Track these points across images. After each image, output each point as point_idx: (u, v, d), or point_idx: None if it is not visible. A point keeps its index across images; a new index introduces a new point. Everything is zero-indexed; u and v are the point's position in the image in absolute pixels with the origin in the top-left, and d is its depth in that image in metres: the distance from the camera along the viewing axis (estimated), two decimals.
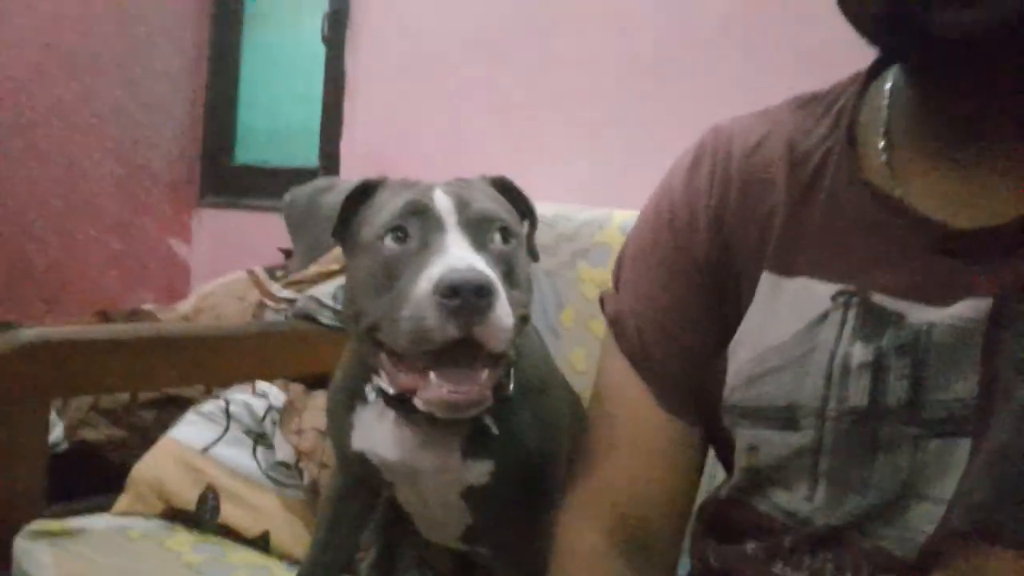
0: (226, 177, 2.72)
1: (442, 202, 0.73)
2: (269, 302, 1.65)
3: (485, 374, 0.69)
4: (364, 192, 0.79)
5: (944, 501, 0.54)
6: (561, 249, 1.40)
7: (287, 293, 1.64)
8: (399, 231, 0.72)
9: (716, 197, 0.68)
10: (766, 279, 0.64)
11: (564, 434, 0.91)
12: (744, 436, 0.64)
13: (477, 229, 0.73)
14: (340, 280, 1.63)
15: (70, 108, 2.49)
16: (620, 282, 0.75)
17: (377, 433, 0.84)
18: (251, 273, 1.92)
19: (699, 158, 0.72)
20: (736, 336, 0.65)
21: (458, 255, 0.68)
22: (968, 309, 0.54)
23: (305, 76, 2.44)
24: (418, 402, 0.70)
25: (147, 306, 2.03)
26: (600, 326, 1.36)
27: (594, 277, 1.42)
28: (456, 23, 2.04)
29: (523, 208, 0.85)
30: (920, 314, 0.56)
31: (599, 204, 1.45)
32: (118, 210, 2.62)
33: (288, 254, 2.15)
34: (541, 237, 1.46)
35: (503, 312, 0.67)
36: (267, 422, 1.30)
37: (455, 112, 2.02)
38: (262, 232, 2.45)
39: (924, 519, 0.55)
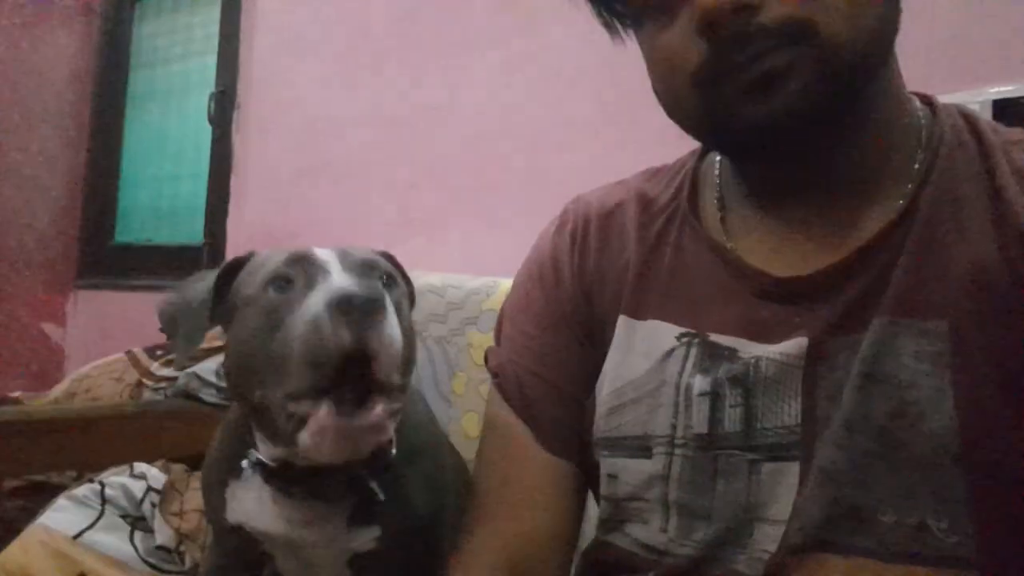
0: (106, 256, 2.65)
1: (323, 252, 0.74)
2: (148, 381, 1.59)
3: (381, 405, 0.68)
4: (235, 269, 0.79)
5: (781, 521, 0.60)
6: (451, 317, 1.42)
7: (167, 371, 1.59)
8: (282, 279, 0.71)
9: (578, 254, 0.77)
10: (622, 322, 0.72)
11: (451, 498, 0.90)
12: (605, 465, 0.70)
13: (360, 275, 0.73)
14: (222, 356, 1.60)
15: None
16: (501, 337, 0.81)
17: (255, 508, 0.82)
18: (129, 353, 1.86)
19: (563, 223, 0.81)
20: (600, 376, 0.73)
21: (347, 281, 0.69)
22: (789, 347, 0.62)
23: (190, 154, 2.44)
24: (307, 440, 0.67)
25: (15, 394, 1.93)
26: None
27: (484, 343, 1.43)
28: (342, 103, 2.09)
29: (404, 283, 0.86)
30: (750, 349, 0.64)
31: (486, 272, 1.50)
32: None
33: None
34: (431, 306, 1.51)
35: (394, 330, 0.67)
36: (145, 505, 1.25)
37: (342, 188, 2.05)
38: (143, 312, 2.35)
39: (766, 540, 0.60)
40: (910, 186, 0.63)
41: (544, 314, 0.77)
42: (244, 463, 0.81)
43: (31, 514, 1.29)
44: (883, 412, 0.58)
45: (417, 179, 1.92)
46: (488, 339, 1.42)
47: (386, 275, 0.77)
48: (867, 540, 0.57)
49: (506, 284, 1.49)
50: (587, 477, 0.75)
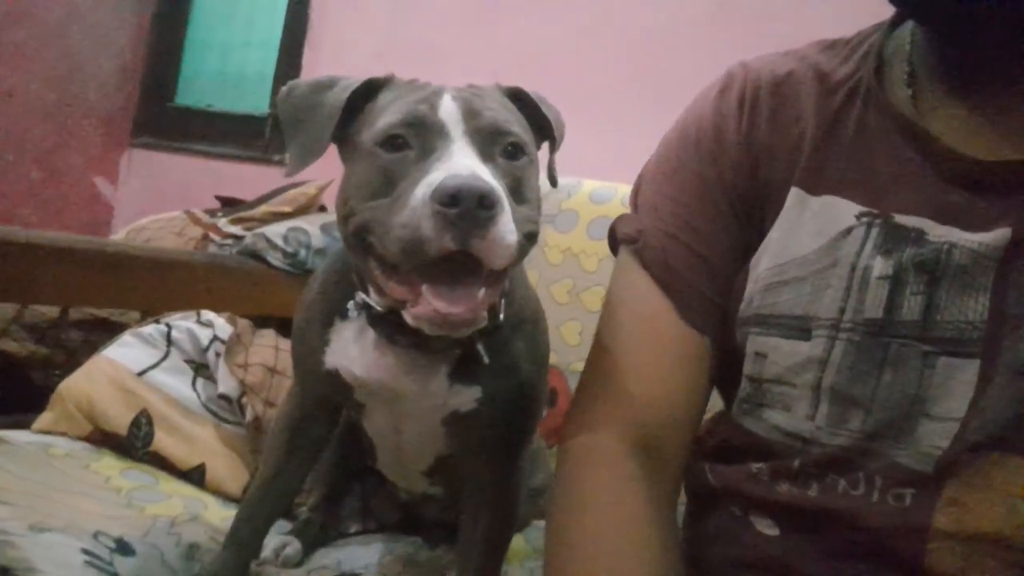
0: (165, 117, 2.59)
1: (448, 109, 0.68)
2: (215, 236, 1.56)
3: (481, 293, 0.64)
4: (369, 91, 0.74)
5: (951, 418, 0.57)
6: None
7: (235, 229, 1.56)
8: (398, 139, 0.67)
9: (747, 120, 0.72)
10: (794, 194, 0.67)
11: (547, 369, 0.89)
12: (754, 343, 0.66)
13: (485, 141, 0.68)
14: (291, 222, 1.57)
15: (2, 24, 2.32)
16: (640, 204, 0.77)
17: (356, 352, 0.79)
18: (188, 212, 1.82)
19: (728, 86, 0.75)
20: (760, 249, 0.68)
21: (462, 162, 0.63)
22: (988, 237, 0.57)
23: (263, 21, 2.36)
24: (407, 316, 0.65)
25: None
26: (563, 292, 1.39)
27: (559, 243, 1.41)
28: None
29: (541, 123, 0.79)
30: (940, 233, 0.59)
31: (575, 175, 1.44)
32: (42, 138, 2.45)
33: (227, 203, 2.05)
34: None
35: (505, 227, 0.62)
36: (210, 353, 1.22)
37: (426, 74, 1.96)
38: (199, 178, 2.35)
39: (934, 435, 0.57)
40: None
41: (699, 180, 0.73)
42: (351, 304, 0.79)
43: (92, 347, 1.28)
44: None
45: (508, 71, 1.83)
46: (565, 239, 1.42)
47: (512, 144, 0.70)
48: None
49: (590, 185, 1.45)
50: (724, 356, 0.72)
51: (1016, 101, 0.61)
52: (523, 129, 0.74)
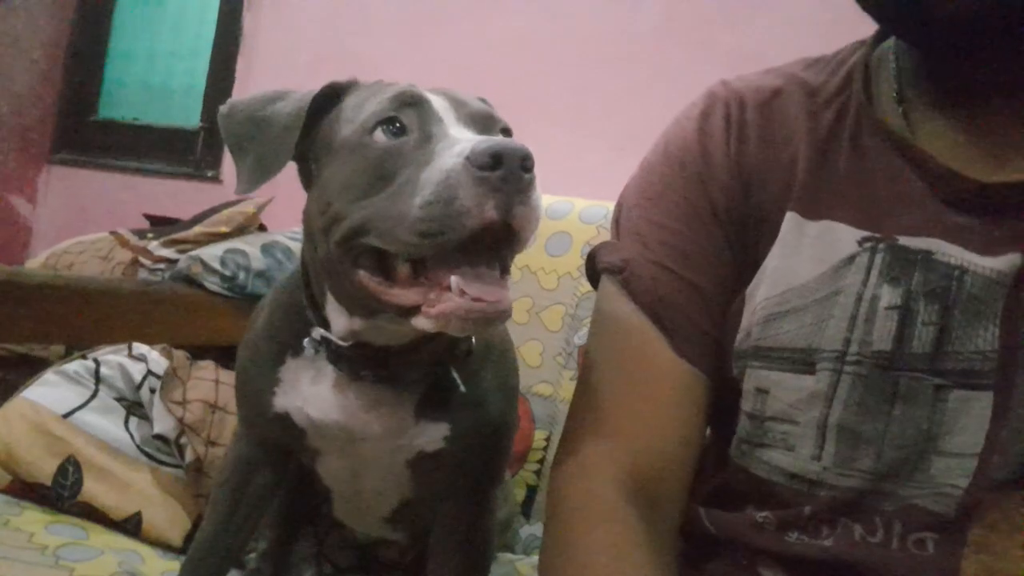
0: (86, 132, 2.45)
1: (435, 98, 0.63)
2: (145, 260, 1.45)
3: (508, 281, 0.58)
4: (328, 98, 0.67)
5: (966, 454, 0.54)
6: None
7: (167, 252, 1.46)
8: (393, 123, 0.61)
9: (734, 142, 0.69)
10: (790, 219, 0.64)
11: (517, 401, 0.83)
12: (755, 378, 0.63)
13: (479, 126, 0.63)
14: (229, 243, 1.48)
15: None
16: (622, 230, 0.73)
17: (311, 392, 0.73)
18: (114, 233, 1.71)
19: (711, 107, 0.72)
20: (756, 277, 0.65)
21: (481, 137, 0.57)
22: (998, 262, 0.55)
23: (192, 29, 2.26)
24: (424, 322, 0.57)
25: None
26: (521, 311, 1.34)
27: (516, 260, 1.36)
28: None
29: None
30: (950, 253, 0.57)
31: (556, 192, 1.40)
32: None
33: (158, 221, 1.94)
34: None
35: (539, 194, 0.56)
36: (144, 390, 1.12)
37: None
38: (125, 196, 2.23)
39: (952, 473, 0.54)
40: None
41: (687, 205, 0.69)
42: (307, 341, 0.71)
43: (10, 387, 1.16)
44: None
45: (452, 82, 1.78)
46: (521, 256, 1.37)
47: (503, 130, 0.66)
48: None
49: (547, 201, 1.41)
50: (719, 390, 0.68)
51: (1008, 119, 0.59)
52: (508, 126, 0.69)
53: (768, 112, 0.69)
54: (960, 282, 0.56)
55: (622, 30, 1.61)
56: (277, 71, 2.07)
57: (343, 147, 0.63)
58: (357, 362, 0.69)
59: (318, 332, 0.70)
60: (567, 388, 1.29)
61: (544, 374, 1.32)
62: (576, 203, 1.39)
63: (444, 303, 0.56)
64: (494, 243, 0.56)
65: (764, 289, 0.64)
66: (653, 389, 0.67)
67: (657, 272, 0.68)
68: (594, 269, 0.74)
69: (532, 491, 1.28)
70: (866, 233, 0.60)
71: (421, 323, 0.58)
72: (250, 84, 2.11)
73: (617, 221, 0.74)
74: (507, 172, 0.53)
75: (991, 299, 0.55)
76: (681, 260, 0.67)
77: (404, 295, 0.59)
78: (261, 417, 0.77)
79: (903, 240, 0.59)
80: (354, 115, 0.64)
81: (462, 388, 0.71)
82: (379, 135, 0.61)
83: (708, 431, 0.72)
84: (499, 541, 1.07)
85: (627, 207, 0.73)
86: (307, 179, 0.69)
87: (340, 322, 0.68)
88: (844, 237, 0.61)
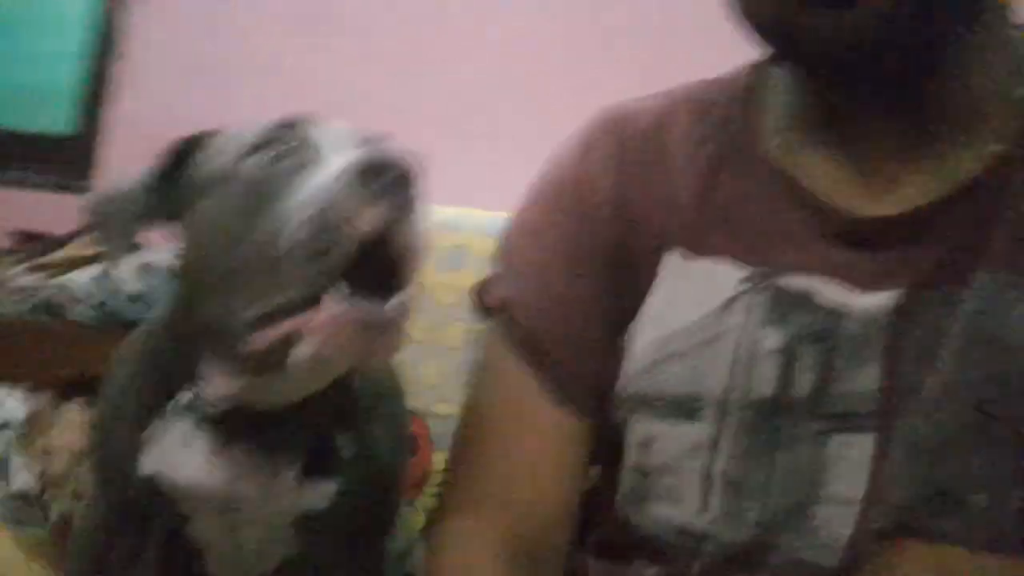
0: None
1: (317, 124, 0.60)
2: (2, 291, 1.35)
3: (400, 298, 0.53)
4: (190, 148, 0.63)
5: (850, 501, 0.54)
6: None
7: (29, 280, 1.36)
8: (269, 148, 0.57)
9: (614, 179, 0.67)
10: (670, 260, 0.63)
11: (407, 449, 0.83)
12: (638, 429, 0.62)
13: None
14: (95, 269, 1.40)
15: None
16: (503, 269, 0.71)
17: (181, 455, 0.68)
18: None
19: (591, 140, 0.70)
20: (637, 319, 0.64)
21: (364, 150, 0.54)
22: (875, 300, 0.55)
23: (60, 28, 2.13)
24: (306, 347, 0.52)
25: None
26: (455, 335, 1.30)
27: (451, 281, 1.30)
28: None
29: None
30: (829, 295, 0.57)
31: (453, 203, 1.36)
32: None
33: (28, 237, 1.81)
34: None
35: (421, 219, 0.53)
36: (0, 441, 1.03)
37: (261, 88, 1.81)
38: None
39: (835, 522, 0.54)
40: (1018, 122, 0.57)
41: (566, 246, 0.67)
42: (175, 404, 0.66)
43: None
44: (985, 380, 0.52)
45: (365, 88, 1.71)
46: (454, 278, 1.34)
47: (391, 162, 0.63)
48: (956, 524, 0.52)
49: (444, 213, 1.37)
50: (600, 440, 0.66)
51: (899, 147, 0.59)
52: None
53: (651, 144, 0.67)
54: (839, 323, 0.56)
55: (548, 31, 1.59)
56: (157, 73, 1.97)
57: (215, 181, 0.59)
58: (235, 429, 0.65)
59: (187, 395, 0.65)
60: None
61: (443, 393, 1.28)
62: (475, 215, 1.36)
63: (320, 317, 0.51)
64: (381, 271, 0.52)
65: (646, 333, 0.62)
66: (530, 444, 0.65)
67: (536, 315, 0.66)
68: (480, 304, 0.72)
69: None
70: (748, 271, 0.60)
71: (302, 351, 0.52)
72: (132, 86, 2.00)
73: (499, 255, 0.72)
74: (391, 179, 0.51)
75: (872, 337, 0.55)
76: (559, 302, 0.66)
77: (282, 327, 0.53)
78: (123, 483, 0.71)
79: (784, 280, 0.58)
80: (219, 153, 0.60)
81: (347, 454, 0.68)
82: (252, 161, 0.56)
83: (596, 472, 0.70)
84: (399, 572, 1.04)
85: (509, 242, 0.71)
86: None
87: (217, 383, 0.63)
88: (726, 277, 0.60)
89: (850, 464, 0.55)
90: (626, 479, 0.64)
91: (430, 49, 1.70)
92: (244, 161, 0.57)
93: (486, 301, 0.70)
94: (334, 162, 0.53)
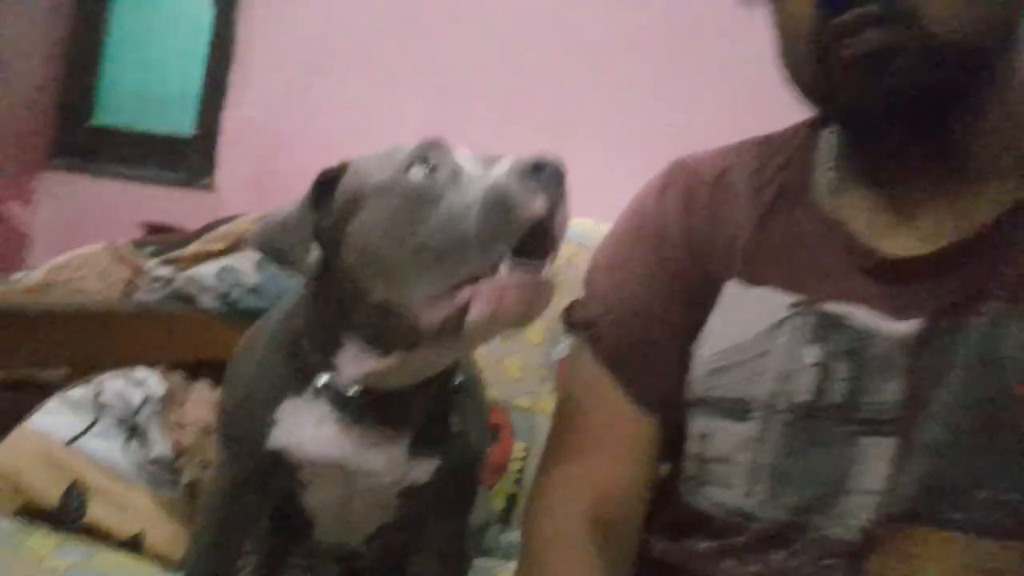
0: (82, 138, 2.49)
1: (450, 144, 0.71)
2: (143, 280, 1.50)
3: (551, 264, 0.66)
4: (330, 179, 0.74)
5: (874, 492, 0.64)
6: None
7: (164, 271, 1.50)
8: (425, 162, 0.68)
9: (686, 217, 0.78)
10: (731, 286, 0.74)
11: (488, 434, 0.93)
12: (698, 425, 0.73)
13: (489, 164, 0.71)
14: (224, 260, 1.53)
15: None
16: (591, 292, 0.82)
17: (311, 432, 0.77)
18: (113, 248, 1.75)
19: (668, 184, 0.82)
20: (701, 335, 0.75)
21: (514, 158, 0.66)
22: (901, 327, 0.65)
23: (186, 36, 2.29)
24: (477, 311, 0.63)
25: None
26: (536, 333, 1.39)
27: None
28: None
29: None
30: (862, 320, 0.66)
31: None
32: None
33: (154, 230, 1.99)
34: None
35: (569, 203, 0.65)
36: (143, 414, 1.18)
37: (360, 89, 1.93)
38: (121, 203, 2.28)
39: (859, 509, 0.64)
40: None
41: (647, 272, 0.78)
42: (313, 387, 0.76)
43: (17, 412, 1.22)
44: (989, 395, 0.61)
45: (447, 86, 1.80)
46: None
47: None
48: (961, 514, 0.61)
49: (575, 225, 1.45)
50: (669, 435, 0.77)
51: (927, 195, 0.67)
52: None
53: (718, 189, 0.78)
54: (869, 343, 0.65)
55: (611, 36, 1.65)
56: (272, 76, 2.10)
57: (375, 194, 0.69)
58: (362, 407, 0.75)
59: (324, 378, 0.75)
60: (546, 401, 1.35)
61: (524, 387, 1.38)
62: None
63: (495, 282, 0.62)
64: (533, 249, 0.64)
65: (708, 346, 0.73)
66: (612, 432, 0.77)
67: (618, 331, 0.77)
68: (569, 322, 0.83)
69: (512, 499, 1.34)
70: (796, 298, 0.70)
71: (474, 320, 0.63)
72: (245, 92, 2.15)
73: (587, 281, 0.83)
74: (548, 175, 0.62)
75: (897, 357, 0.64)
76: (641, 319, 0.77)
77: (455, 302, 0.63)
78: (252, 454, 0.81)
79: (826, 306, 0.68)
80: (379, 166, 0.70)
81: (457, 428, 0.79)
82: (414, 172, 0.67)
83: (667, 468, 0.81)
84: (476, 548, 1.13)
85: (595, 269, 0.83)
86: (331, 251, 0.73)
87: (357, 367, 0.74)
88: (778, 302, 0.70)
89: (874, 462, 0.64)
90: (688, 466, 0.74)
91: (526, 58, 1.76)
92: (406, 174, 0.67)
93: (576, 319, 0.81)
94: (495, 169, 0.64)
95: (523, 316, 0.64)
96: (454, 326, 0.64)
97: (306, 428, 0.77)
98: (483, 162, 0.70)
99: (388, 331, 0.70)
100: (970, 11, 0.60)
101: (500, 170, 0.64)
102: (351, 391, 0.74)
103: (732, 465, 0.70)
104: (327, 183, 0.73)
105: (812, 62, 0.64)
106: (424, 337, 0.68)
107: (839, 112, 0.69)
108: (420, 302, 0.65)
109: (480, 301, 0.63)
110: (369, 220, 0.69)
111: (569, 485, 0.77)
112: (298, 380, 0.77)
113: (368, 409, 0.75)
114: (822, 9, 0.61)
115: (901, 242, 0.67)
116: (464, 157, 0.69)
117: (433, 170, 0.67)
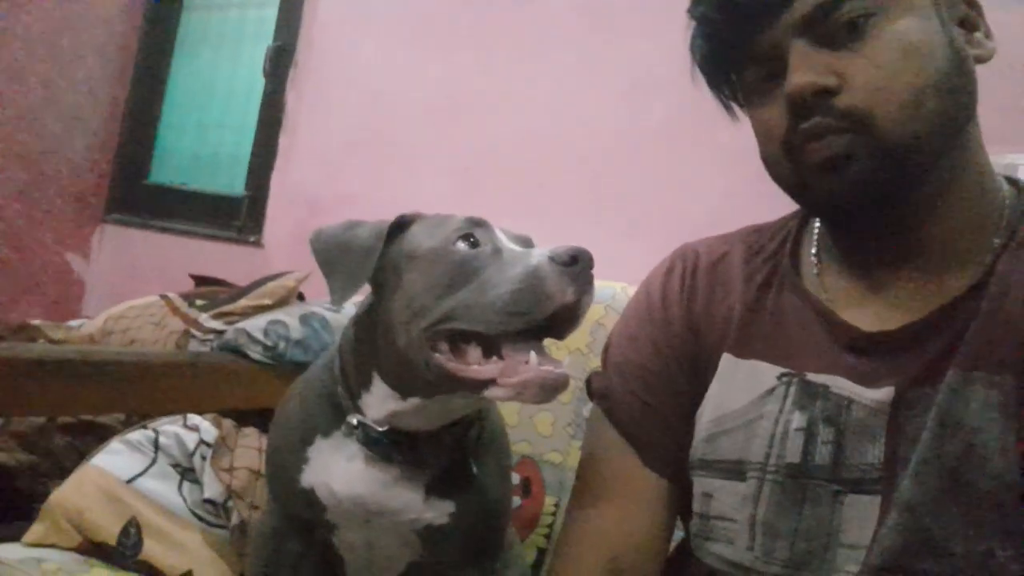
0: (138, 195, 2.63)
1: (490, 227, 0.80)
2: (197, 332, 1.60)
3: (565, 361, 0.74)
4: (402, 225, 0.83)
5: (860, 546, 0.68)
6: None
7: (216, 324, 1.60)
8: (469, 237, 0.77)
9: (687, 297, 0.86)
10: (726, 359, 0.81)
11: (511, 481, 0.96)
12: (701, 484, 0.79)
13: (523, 244, 0.80)
14: (271, 315, 1.61)
15: None
16: (608, 364, 0.90)
17: (338, 469, 0.84)
18: (164, 298, 1.86)
19: (672, 268, 0.90)
20: (702, 403, 0.81)
21: (554, 246, 0.73)
22: (877, 395, 0.70)
23: (239, 105, 2.42)
24: (499, 391, 0.71)
25: (35, 321, 1.92)
26: (565, 394, 1.44)
27: (564, 343, 1.47)
28: (405, 78, 2.08)
29: None
30: (842, 387, 0.72)
31: None
32: (14, 216, 2.47)
33: (202, 281, 2.09)
34: None
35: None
36: (196, 457, 1.26)
37: (394, 164, 2.04)
38: (173, 256, 2.39)
39: (847, 562, 0.69)
40: (988, 257, 0.71)
41: (653, 346, 0.85)
42: (342, 428, 0.83)
43: (77, 451, 1.31)
44: (954, 454, 0.65)
45: (473, 167, 1.91)
46: (569, 340, 1.48)
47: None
48: (938, 566, 0.64)
49: (599, 286, 1.52)
50: (681, 495, 0.83)
51: (895, 277, 0.74)
52: None
53: (715, 272, 0.86)
54: (849, 410, 0.71)
55: (632, 128, 1.74)
56: (315, 148, 2.23)
57: (427, 256, 0.77)
58: (388, 446, 0.81)
59: (355, 418, 0.82)
60: (575, 456, 1.40)
61: (555, 443, 1.42)
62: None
63: (523, 373, 0.70)
64: (555, 325, 0.72)
65: (707, 413, 0.80)
66: (628, 493, 0.83)
67: (631, 400, 0.84)
68: (589, 390, 0.91)
69: (542, 553, 1.38)
70: (784, 369, 0.76)
71: (495, 393, 0.72)
72: (291, 157, 2.27)
73: (605, 353, 0.91)
74: (582, 267, 0.70)
75: (876, 422, 0.70)
76: (648, 390, 0.84)
77: (482, 371, 0.72)
78: (288, 492, 0.88)
79: (809, 376, 0.74)
80: (431, 234, 0.79)
81: (475, 471, 0.84)
82: (460, 245, 0.76)
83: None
84: None
85: (612, 343, 0.90)
86: (378, 288, 0.82)
87: (382, 407, 0.81)
88: (767, 373, 0.77)
89: (861, 518, 0.69)
90: (694, 524, 0.80)
91: (554, 135, 1.86)
92: (456, 243, 0.76)
93: (596, 387, 0.89)
94: (535, 252, 0.72)
95: (540, 400, 0.72)
96: (475, 387, 0.73)
97: (336, 465, 0.84)
98: (518, 241, 0.80)
99: (409, 375, 0.78)
100: (921, 111, 0.65)
101: (540, 255, 0.71)
102: (379, 430, 0.81)
103: (733, 522, 0.75)
104: (400, 226, 0.82)
105: (786, 162, 0.72)
106: (439, 388, 0.76)
107: (813, 204, 0.77)
108: (441, 357, 0.74)
109: (507, 380, 0.71)
110: (415, 276, 0.77)
111: (588, 540, 0.83)
112: (329, 422, 0.84)
113: (394, 449, 0.81)
114: (790, 117, 0.69)
115: (873, 317, 0.74)
116: (504, 237, 0.78)
117: (475, 244, 0.76)
